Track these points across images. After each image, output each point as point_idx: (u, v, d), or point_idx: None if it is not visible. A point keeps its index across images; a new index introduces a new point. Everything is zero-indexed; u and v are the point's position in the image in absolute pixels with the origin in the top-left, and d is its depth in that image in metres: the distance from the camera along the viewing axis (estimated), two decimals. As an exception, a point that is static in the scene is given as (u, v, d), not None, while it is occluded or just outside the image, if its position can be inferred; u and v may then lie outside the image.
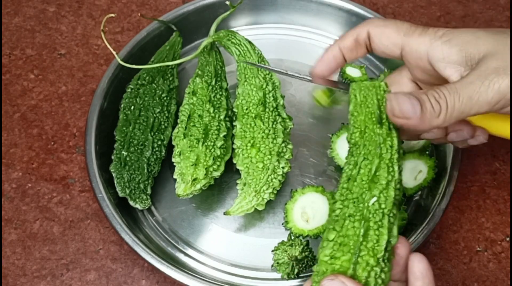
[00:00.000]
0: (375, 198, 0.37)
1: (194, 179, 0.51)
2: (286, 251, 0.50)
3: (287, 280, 0.51)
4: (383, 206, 0.36)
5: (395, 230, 0.36)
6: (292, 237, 0.52)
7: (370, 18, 0.46)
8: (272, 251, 0.51)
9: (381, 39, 0.45)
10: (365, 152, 0.38)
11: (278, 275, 0.51)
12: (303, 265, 0.50)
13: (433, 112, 0.38)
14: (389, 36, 0.44)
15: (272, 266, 0.51)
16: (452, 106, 0.38)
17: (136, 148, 0.55)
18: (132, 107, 0.56)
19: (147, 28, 0.63)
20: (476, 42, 0.40)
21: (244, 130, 0.53)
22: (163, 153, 0.56)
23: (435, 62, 0.42)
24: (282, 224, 0.54)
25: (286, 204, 0.54)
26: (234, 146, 0.54)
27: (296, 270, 0.50)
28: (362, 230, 0.35)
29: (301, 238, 0.52)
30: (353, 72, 0.65)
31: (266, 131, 0.52)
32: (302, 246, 0.50)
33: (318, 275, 0.36)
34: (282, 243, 0.51)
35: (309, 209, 0.53)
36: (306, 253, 0.50)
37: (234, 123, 0.55)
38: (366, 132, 0.39)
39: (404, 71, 0.49)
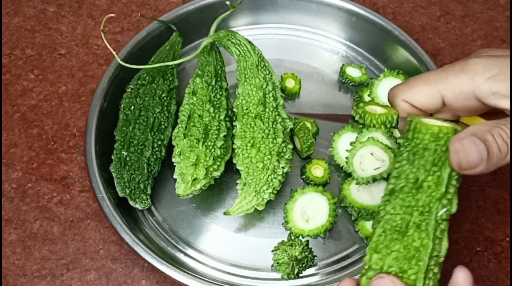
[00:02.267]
0: (445, 209, 0.36)
1: (194, 179, 0.51)
2: (286, 251, 0.50)
3: (287, 280, 0.51)
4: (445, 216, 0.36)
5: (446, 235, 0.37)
6: (292, 237, 0.52)
7: (393, 86, 0.45)
8: (272, 251, 0.51)
9: (420, 99, 0.42)
10: (434, 157, 0.37)
11: (278, 275, 0.51)
12: (303, 265, 0.50)
13: (500, 154, 0.35)
14: (422, 93, 0.42)
15: (272, 266, 0.51)
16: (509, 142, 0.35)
17: (136, 148, 0.55)
18: (132, 107, 0.56)
19: (147, 28, 0.63)
20: None
21: (244, 130, 0.53)
22: (163, 153, 0.56)
23: (486, 99, 0.38)
24: (282, 224, 0.54)
25: (286, 204, 0.54)
26: (234, 146, 0.54)
27: (296, 270, 0.50)
28: (430, 243, 0.35)
29: (301, 238, 0.52)
30: (353, 72, 0.65)
31: (266, 131, 0.52)
32: (302, 246, 0.50)
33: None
34: (282, 243, 0.51)
35: (309, 209, 0.53)
36: (306, 253, 0.50)
37: (234, 123, 0.55)
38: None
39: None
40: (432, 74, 0.41)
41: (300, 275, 0.51)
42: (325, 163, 0.57)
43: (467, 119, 0.44)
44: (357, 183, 0.52)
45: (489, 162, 0.35)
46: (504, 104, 0.38)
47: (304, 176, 0.57)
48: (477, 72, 0.39)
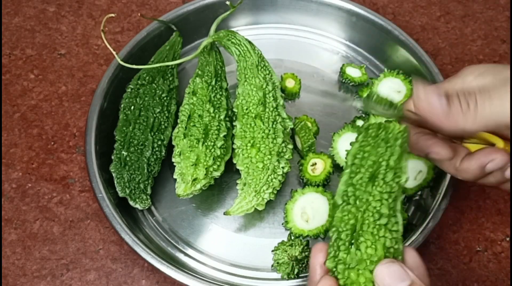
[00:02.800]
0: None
1: (194, 179, 0.51)
2: (286, 251, 0.50)
3: (287, 280, 0.51)
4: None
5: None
6: (292, 237, 0.52)
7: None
8: (272, 251, 0.51)
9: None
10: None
11: (278, 275, 0.51)
12: (303, 265, 0.50)
13: (460, 110, 0.37)
14: None
15: (272, 266, 0.51)
16: (482, 108, 0.37)
17: (136, 148, 0.55)
18: (132, 107, 0.56)
19: (147, 28, 0.63)
20: None
21: (244, 130, 0.53)
22: (163, 153, 0.56)
23: None
24: (282, 224, 0.54)
25: (286, 204, 0.54)
26: (234, 146, 0.54)
27: (296, 270, 0.50)
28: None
29: (301, 238, 0.52)
30: (353, 72, 0.65)
31: (266, 131, 0.52)
32: (302, 246, 0.50)
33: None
34: (282, 243, 0.51)
35: (309, 209, 0.53)
36: (306, 253, 0.50)
37: (234, 123, 0.55)
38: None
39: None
40: (432, 85, 0.43)
41: (300, 275, 0.51)
42: (328, 158, 0.57)
43: (488, 136, 0.43)
44: None
45: (449, 114, 0.37)
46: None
47: (301, 176, 0.57)
48: (466, 74, 0.41)
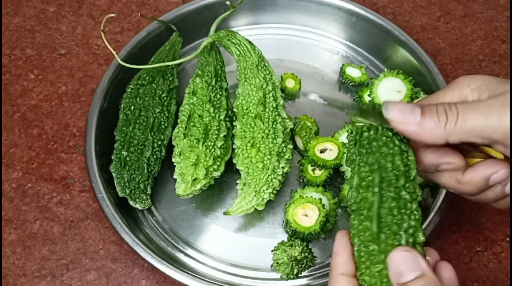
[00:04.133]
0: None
1: (194, 179, 0.51)
2: (285, 251, 0.50)
3: (287, 280, 0.51)
4: None
5: None
6: (292, 238, 0.52)
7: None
8: (272, 251, 0.51)
9: None
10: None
11: (278, 275, 0.51)
12: (303, 266, 0.50)
13: (437, 121, 0.36)
14: None
15: (271, 266, 0.51)
16: (464, 119, 0.36)
17: (136, 148, 0.55)
18: (132, 107, 0.56)
19: (147, 28, 0.63)
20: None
21: (244, 130, 0.53)
22: (163, 153, 0.56)
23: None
24: (282, 224, 0.54)
25: (286, 205, 0.53)
26: (234, 146, 0.54)
27: (295, 271, 0.50)
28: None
29: (301, 237, 0.52)
30: (353, 72, 0.65)
31: (266, 131, 0.52)
32: (301, 247, 0.50)
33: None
34: (282, 243, 0.51)
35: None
36: (306, 254, 0.50)
37: (234, 123, 0.55)
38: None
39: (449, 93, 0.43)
40: (425, 99, 0.42)
41: (300, 275, 0.51)
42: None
43: (486, 149, 0.42)
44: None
45: (423, 125, 0.36)
46: None
47: (302, 176, 0.56)
48: (463, 85, 0.40)
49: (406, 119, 0.37)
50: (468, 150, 0.42)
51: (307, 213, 0.52)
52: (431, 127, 0.36)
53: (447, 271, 0.36)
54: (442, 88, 0.42)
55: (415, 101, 0.45)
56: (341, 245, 0.38)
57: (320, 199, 0.52)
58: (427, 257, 0.37)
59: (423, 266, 0.34)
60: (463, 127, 0.36)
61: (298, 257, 0.49)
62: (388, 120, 0.37)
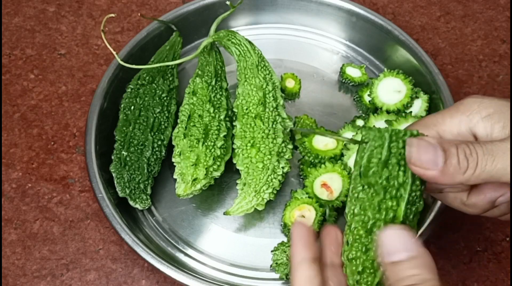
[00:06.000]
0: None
1: (194, 179, 0.51)
2: (285, 252, 0.50)
3: (286, 280, 0.51)
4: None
5: None
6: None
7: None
8: (272, 251, 0.51)
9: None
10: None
11: (278, 275, 0.51)
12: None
13: (459, 168, 0.35)
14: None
15: (270, 266, 0.51)
16: (483, 166, 0.34)
17: (136, 148, 0.55)
18: (132, 107, 0.56)
19: (147, 28, 0.63)
20: None
21: (244, 130, 0.53)
22: (163, 153, 0.56)
23: (483, 138, 0.38)
24: (281, 225, 0.54)
25: (284, 209, 0.53)
26: (234, 146, 0.54)
27: (295, 271, 0.50)
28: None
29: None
30: (353, 72, 0.65)
31: (266, 131, 0.52)
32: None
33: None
34: (282, 244, 0.51)
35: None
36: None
37: (234, 123, 0.55)
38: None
39: (448, 116, 0.40)
40: (429, 117, 0.41)
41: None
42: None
43: None
44: None
45: (445, 171, 0.35)
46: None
47: (302, 177, 0.57)
48: (472, 111, 0.38)
49: (428, 165, 0.35)
50: None
51: (304, 214, 0.52)
52: (451, 173, 0.35)
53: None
54: (448, 107, 0.40)
55: (414, 123, 0.43)
56: (296, 234, 0.37)
57: (317, 200, 0.52)
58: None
59: (419, 247, 0.33)
60: (481, 175, 0.35)
61: (298, 257, 0.49)
62: (408, 162, 0.35)
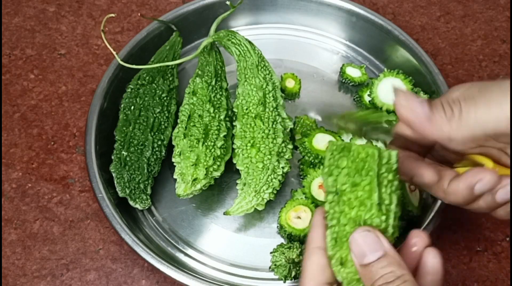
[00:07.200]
0: None
1: (194, 179, 0.51)
2: (284, 254, 0.50)
3: (284, 282, 0.51)
4: None
5: None
6: (290, 240, 0.52)
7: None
8: (271, 253, 0.51)
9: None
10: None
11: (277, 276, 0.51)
12: (300, 268, 0.50)
13: (444, 115, 0.36)
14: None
15: (269, 267, 0.51)
16: (467, 114, 0.35)
17: (136, 148, 0.55)
18: (132, 107, 0.56)
19: (147, 28, 0.63)
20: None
21: (244, 130, 0.53)
22: (163, 153, 0.56)
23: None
24: (277, 227, 0.54)
25: (282, 209, 0.53)
26: (234, 146, 0.54)
27: (293, 273, 0.50)
28: (375, 151, 0.36)
29: (298, 238, 0.52)
30: (353, 72, 0.65)
31: (266, 131, 0.52)
32: (300, 249, 0.50)
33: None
34: (281, 245, 0.51)
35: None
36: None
37: (234, 123, 0.55)
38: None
39: None
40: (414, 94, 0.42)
41: (298, 278, 0.51)
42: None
43: (477, 158, 0.41)
44: None
45: (432, 120, 0.36)
46: None
47: (302, 177, 0.56)
48: (453, 90, 0.39)
49: (412, 106, 0.37)
50: (457, 159, 0.41)
51: (299, 215, 0.52)
52: (438, 121, 0.36)
53: (433, 258, 0.36)
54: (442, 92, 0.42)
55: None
56: (317, 221, 0.38)
57: (312, 200, 0.52)
58: (413, 240, 0.37)
59: (386, 246, 0.34)
60: (467, 121, 0.35)
61: (296, 260, 0.49)
62: (396, 105, 0.37)
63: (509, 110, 0.34)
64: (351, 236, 0.34)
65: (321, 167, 0.54)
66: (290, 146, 0.54)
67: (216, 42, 0.59)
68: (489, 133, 0.36)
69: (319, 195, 0.53)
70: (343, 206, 0.35)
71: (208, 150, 0.52)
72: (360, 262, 0.34)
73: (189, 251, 0.54)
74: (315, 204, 0.52)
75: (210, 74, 0.57)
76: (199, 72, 0.57)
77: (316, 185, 0.54)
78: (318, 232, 0.37)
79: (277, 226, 0.55)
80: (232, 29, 0.60)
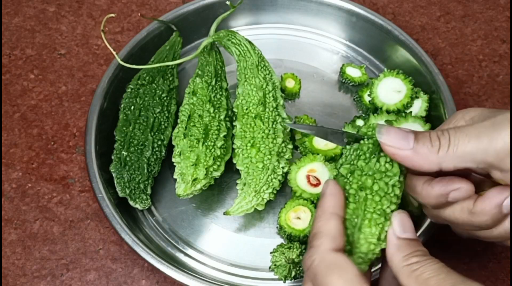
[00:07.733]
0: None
1: (194, 179, 0.51)
2: (283, 254, 0.50)
3: (284, 282, 0.51)
4: None
5: None
6: (290, 240, 0.52)
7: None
8: (271, 253, 0.51)
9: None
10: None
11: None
12: (300, 268, 0.50)
13: (431, 146, 0.36)
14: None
15: (269, 267, 0.51)
16: (455, 144, 0.35)
17: (136, 148, 0.55)
18: (132, 107, 0.56)
19: (147, 28, 0.63)
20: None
21: (244, 130, 0.53)
22: (163, 153, 0.56)
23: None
24: (276, 227, 0.54)
25: (281, 210, 0.53)
26: (234, 146, 0.54)
27: (293, 273, 0.50)
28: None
29: (297, 239, 0.52)
30: (353, 72, 0.65)
31: (266, 131, 0.52)
32: (300, 250, 0.50)
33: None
34: (281, 245, 0.51)
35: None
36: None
37: (234, 123, 0.55)
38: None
39: None
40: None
41: (298, 278, 0.51)
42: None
43: None
44: None
45: (417, 150, 0.37)
46: None
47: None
48: (458, 118, 0.40)
49: (399, 144, 0.37)
50: (479, 184, 0.40)
51: (299, 216, 0.52)
52: (425, 152, 0.36)
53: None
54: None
55: None
56: (331, 190, 0.38)
57: (311, 200, 0.52)
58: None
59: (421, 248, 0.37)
60: (455, 152, 0.36)
61: (296, 260, 0.49)
62: (381, 144, 0.38)
63: (499, 145, 0.34)
64: (396, 214, 0.38)
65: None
66: (290, 146, 0.54)
67: (216, 42, 0.59)
68: (478, 164, 0.36)
69: (305, 187, 0.54)
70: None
71: (208, 150, 0.52)
72: (402, 236, 0.37)
73: (189, 251, 0.54)
74: (315, 204, 0.52)
75: (210, 74, 0.57)
76: (199, 72, 0.57)
77: (302, 176, 0.54)
78: (334, 200, 0.38)
79: (277, 227, 0.55)
80: (232, 29, 0.60)
